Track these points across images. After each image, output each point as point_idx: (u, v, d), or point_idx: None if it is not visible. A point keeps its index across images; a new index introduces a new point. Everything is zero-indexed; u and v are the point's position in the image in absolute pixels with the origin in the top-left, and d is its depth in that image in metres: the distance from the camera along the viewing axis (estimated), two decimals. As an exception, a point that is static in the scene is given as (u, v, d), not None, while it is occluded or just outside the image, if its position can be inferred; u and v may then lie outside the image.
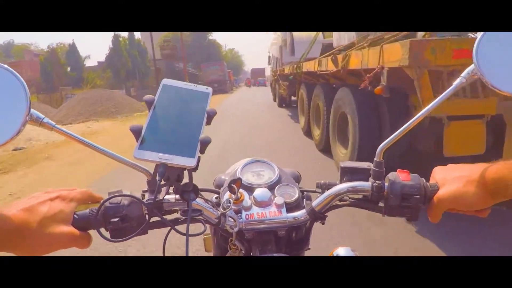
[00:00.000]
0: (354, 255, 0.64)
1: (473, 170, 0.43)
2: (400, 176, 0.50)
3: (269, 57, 14.39)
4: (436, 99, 0.47)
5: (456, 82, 0.46)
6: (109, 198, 0.45)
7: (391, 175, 0.50)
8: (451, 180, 0.45)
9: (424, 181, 0.48)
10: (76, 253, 0.56)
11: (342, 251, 0.67)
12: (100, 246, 2.05)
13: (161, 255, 0.50)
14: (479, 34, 0.43)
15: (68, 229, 0.42)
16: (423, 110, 0.47)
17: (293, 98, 9.57)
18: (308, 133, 5.13)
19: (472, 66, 0.44)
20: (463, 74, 0.45)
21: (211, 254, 0.74)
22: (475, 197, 0.43)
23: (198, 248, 1.72)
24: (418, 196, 0.47)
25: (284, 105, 10.94)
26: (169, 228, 0.46)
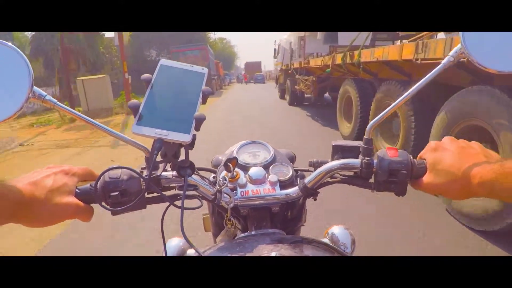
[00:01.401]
0: (348, 233, 0.76)
1: (461, 166, 0.48)
2: (389, 153, 0.55)
3: (275, 49, 13.57)
4: (424, 78, 0.51)
5: (444, 61, 0.50)
6: (108, 170, 0.51)
7: (380, 152, 0.56)
8: (438, 170, 0.50)
9: (412, 157, 0.54)
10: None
11: (336, 229, 0.77)
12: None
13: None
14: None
15: (73, 200, 0.48)
16: (412, 89, 0.52)
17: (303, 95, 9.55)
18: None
19: (459, 46, 0.48)
20: (451, 53, 0.49)
21: (210, 233, 0.85)
22: (458, 193, 0.49)
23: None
24: (405, 172, 0.53)
25: (295, 103, 10.55)
26: (167, 204, 0.52)
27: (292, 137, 5.63)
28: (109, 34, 21.29)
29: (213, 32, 39.34)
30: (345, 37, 5.13)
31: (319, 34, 6.21)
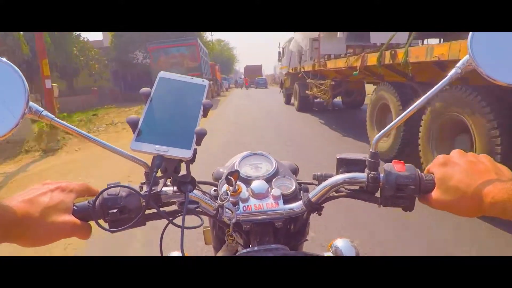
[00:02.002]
0: (352, 246, 0.78)
1: (471, 183, 0.49)
2: (395, 167, 0.57)
3: (280, 52, 13.89)
4: (431, 90, 0.53)
5: (451, 72, 0.51)
6: (107, 189, 0.53)
7: (387, 166, 0.58)
8: (447, 187, 0.52)
9: (419, 172, 0.56)
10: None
11: (340, 243, 0.79)
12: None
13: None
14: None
15: (70, 218, 0.50)
16: (418, 101, 0.54)
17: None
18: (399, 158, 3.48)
19: (467, 57, 0.50)
20: (458, 64, 0.51)
21: (210, 247, 0.88)
22: (467, 211, 0.50)
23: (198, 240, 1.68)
24: (413, 187, 0.54)
25: (304, 109, 10.19)
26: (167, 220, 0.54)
27: (318, 153, 4.83)
28: (84, 35, 18.73)
29: (209, 33, 36.35)
30: (378, 36, 4.71)
31: (340, 33, 5.47)
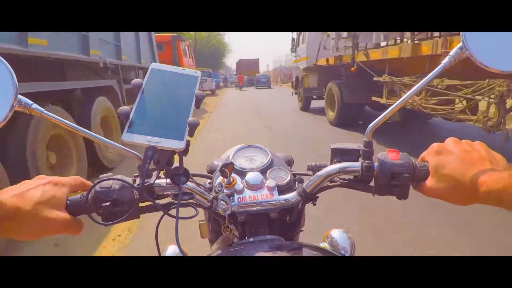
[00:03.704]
0: (347, 237, 0.83)
1: (465, 172, 0.52)
2: (390, 156, 0.60)
3: (294, 39, 10.88)
4: (425, 78, 0.55)
5: (445, 60, 0.53)
6: (99, 182, 0.57)
7: (381, 155, 0.62)
8: (441, 175, 0.55)
9: (413, 160, 0.61)
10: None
11: (335, 233, 0.83)
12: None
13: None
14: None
15: (61, 214, 0.53)
16: (412, 90, 0.56)
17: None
18: None
19: (460, 44, 0.52)
20: (452, 52, 0.53)
21: (206, 240, 0.94)
22: (461, 200, 0.54)
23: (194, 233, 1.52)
24: (407, 175, 0.58)
25: (344, 123, 7.09)
26: (161, 213, 0.59)
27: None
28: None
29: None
30: None
31: None
